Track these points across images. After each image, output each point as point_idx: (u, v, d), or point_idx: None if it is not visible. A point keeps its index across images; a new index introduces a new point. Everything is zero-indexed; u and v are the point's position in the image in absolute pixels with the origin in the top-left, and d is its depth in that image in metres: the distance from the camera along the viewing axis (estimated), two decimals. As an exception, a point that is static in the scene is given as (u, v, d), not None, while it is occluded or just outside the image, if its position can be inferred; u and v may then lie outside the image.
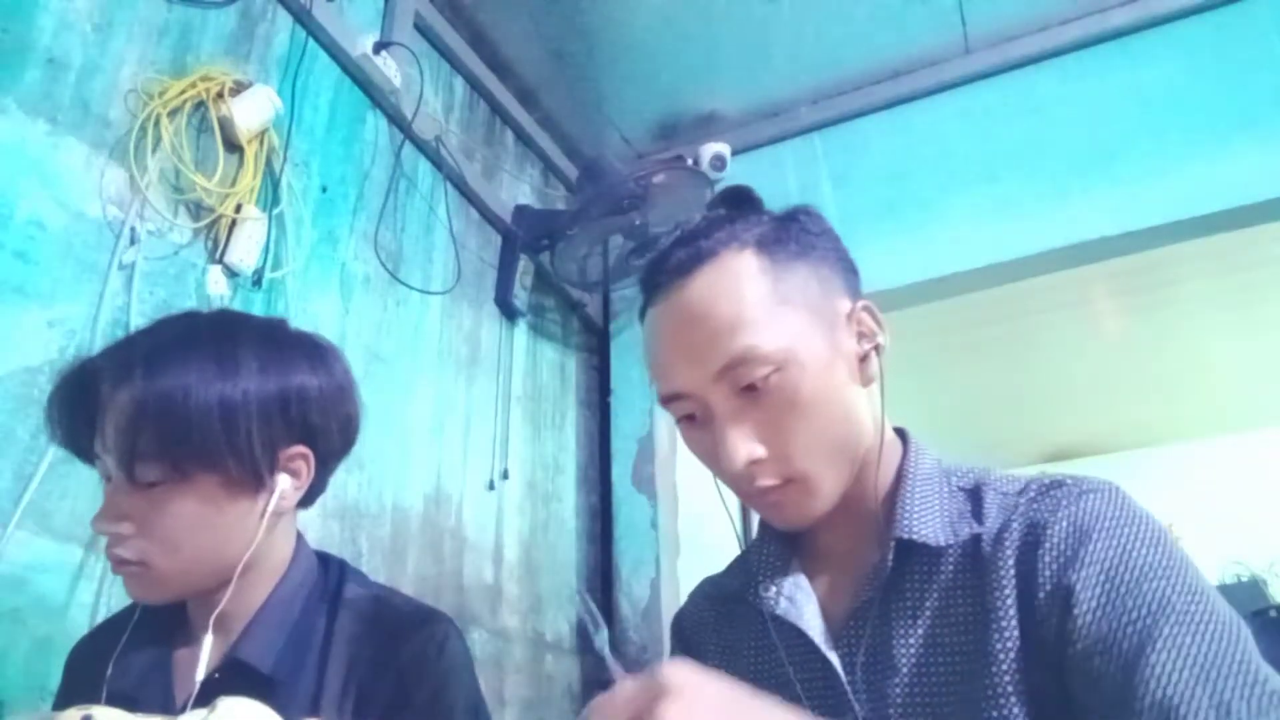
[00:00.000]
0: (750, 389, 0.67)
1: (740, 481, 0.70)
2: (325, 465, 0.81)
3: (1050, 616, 0.60)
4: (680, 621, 0.88)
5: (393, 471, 1.59)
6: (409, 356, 1.71)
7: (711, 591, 0.87)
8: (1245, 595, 3.64)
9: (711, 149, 2.19)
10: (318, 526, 1.37)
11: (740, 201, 0.78)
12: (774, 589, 0.74)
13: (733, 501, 0.78)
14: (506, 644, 1.82)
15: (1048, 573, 0.61)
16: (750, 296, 0.67)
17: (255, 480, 0.74)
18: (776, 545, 0.78)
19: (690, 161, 2.11)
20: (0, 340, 1.01)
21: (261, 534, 0.75)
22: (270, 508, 0.75)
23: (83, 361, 0.75)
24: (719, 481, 0.75)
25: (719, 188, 2.16)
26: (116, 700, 0.68)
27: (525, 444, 2.04)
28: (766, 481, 0.69)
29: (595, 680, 2.05)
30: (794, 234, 0.73)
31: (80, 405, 0.73)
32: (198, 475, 0.71)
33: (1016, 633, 0.61)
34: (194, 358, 0.72)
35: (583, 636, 2.09)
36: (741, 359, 0.66)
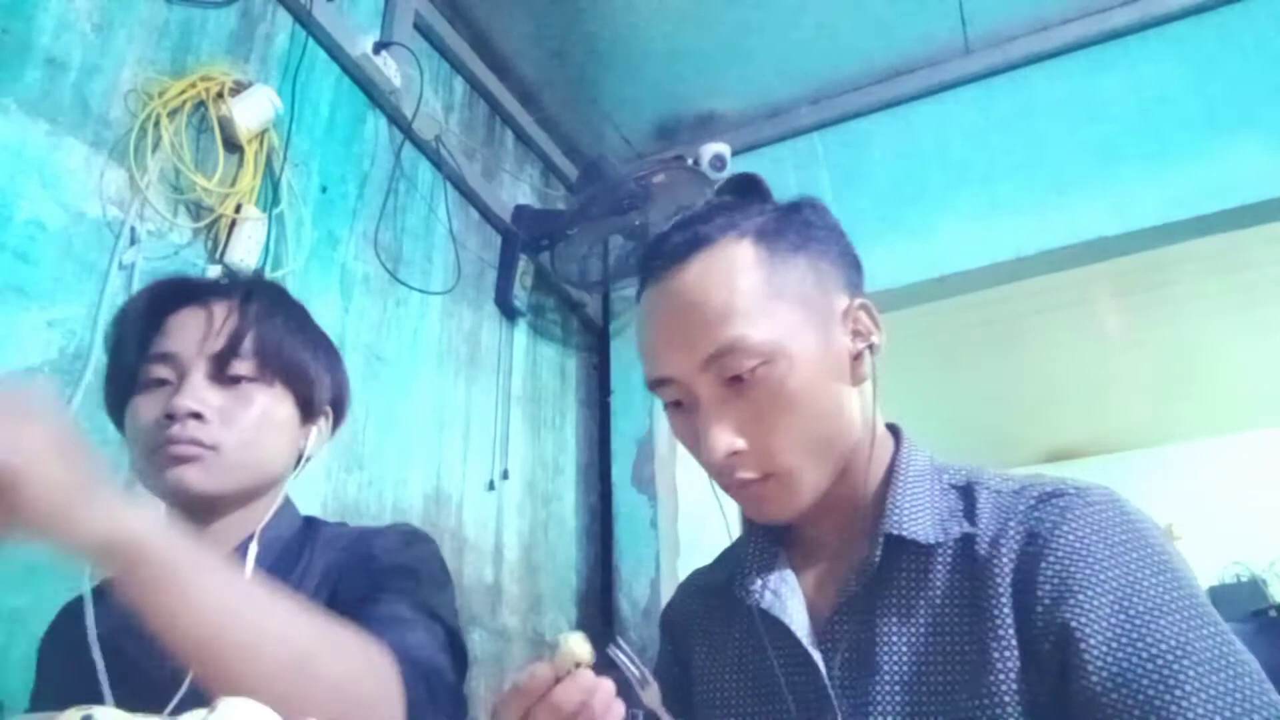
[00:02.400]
0: (736, 380, 0.66)
1: (720, 472, 0.70)
2: (326, 440, 0.91)
3: (1048, 635, 0.59)
4: (669, 615, 0.88)
5: (393, 471, 1.59)
6: (409, 356, 1.71)
7: (699, 584, 0.86)
8: (1245, 595, 3.63)
9: (711, 149, 2.19)
10: (318, 526, 1.37)
11: (747, 189, 0.77)
12: (759, 582, 0.74)
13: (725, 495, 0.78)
14: (506, 644, 1.82)
15: (1048, 587, 0.60)
16: (744, 286, 0.67)
17: (311, 410, 0.85)
18: (764, 538, 0.77)
19: (690, 161, 2.10)
20: (0, 340, 1.01)
21: (298, 467, 0.85)
22: (309, 446, 0.86)
23: (180, 277, 0.86)
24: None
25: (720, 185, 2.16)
26: (105, 643, 0.72)
27: (525, 444, 2.04)
28: (746, 474, 0.68)
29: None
30: (795, 226, 0.72)
31: (161, 310, 0.80)
32: (278, 384, 0.81)
33: (1015, 643, 0.60)
34: (299, 305, 0.89)
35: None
36: (729, 348, 0.65)
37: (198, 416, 0.75)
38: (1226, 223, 1.89)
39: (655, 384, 0.71)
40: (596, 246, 2.18)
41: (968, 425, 3.87)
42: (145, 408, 0.77)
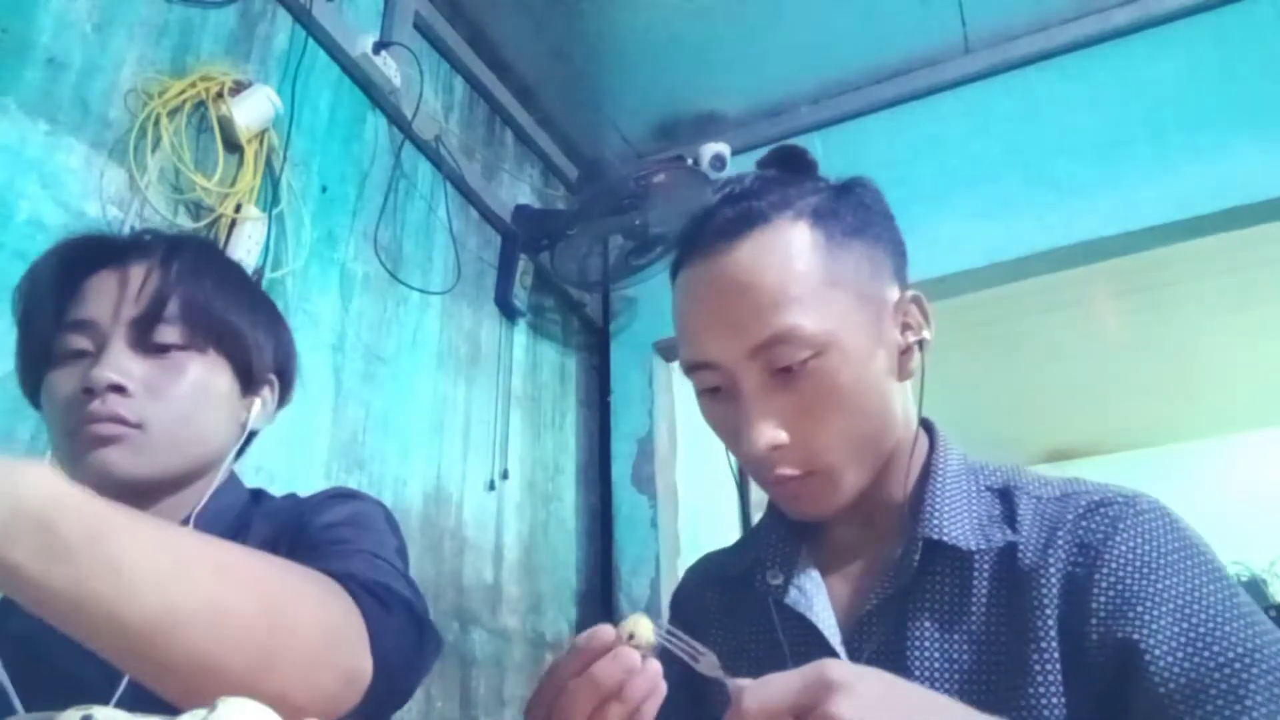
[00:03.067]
0: (785, 371, 0.62)
1: (759, 467, 0.66)
2: (272, 414, 0.83)
3: (1104, 648, 0.57)
4: (681, 600, 0.84)
5: (393, 471, 1.59)
6: (409, 356, 1.71)
7: (713, 572, 0.82)
8: (1245, 595, 3.64)
9: (711, 149, 2.19)
10: (318, 526, 1.37)
11: (794, 164, 0.73)
12: (782, 576, 0.70)
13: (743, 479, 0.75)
14: (506, 644, 1.82)
15: (1104, 599, 0.58)
16: (800, 271, 0.63)
17: (252, 380, 0.77)
18: (785, 530, 0.74)
19: (690, 161, 2.10)
20: (0, 340, 1.01)
21: (238, 444, 0.76)
22: (251, 419, 0.77)
23: (94, 235, 0.76)
24: (730, 455, 0.71)
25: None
26: (24, 647, 0.64)
27: (525, 444, 2.04)
28: (787, 470, 0.65)
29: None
30: (851, 208, 0.68)
31: (74, 273, 0.72)
32: (212, 352, 0.73)
33: (1057, 656, 0.58)
34: (232, 263, 0.81)
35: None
36: (782, 338, 0.62)
37: (119, 390, 0.67)
38: (1226, 223, 1.89)
39: (694, 368, 0.67)
40: (596, 246, 2.18)
41: (967, 425, 3.85)
42: (61, 382, 0.69)
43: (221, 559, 0.48)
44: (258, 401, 0.78)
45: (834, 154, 2.31)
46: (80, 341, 0.70)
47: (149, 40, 1.28)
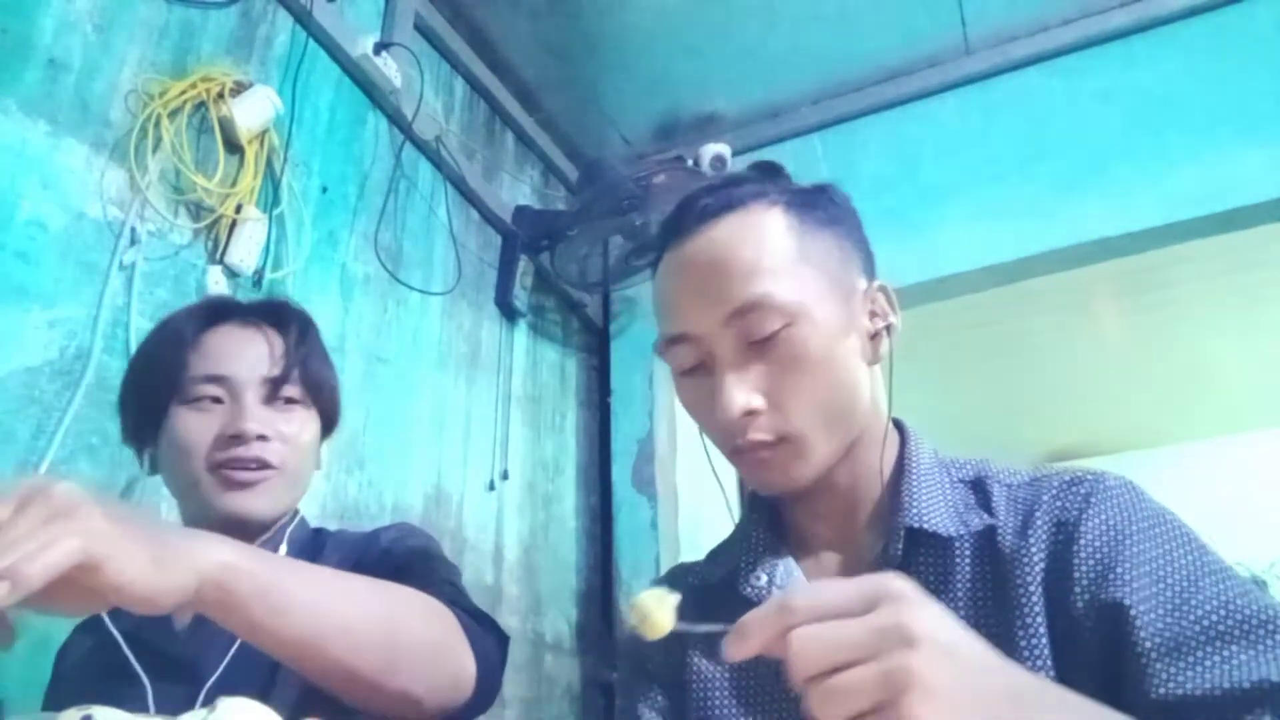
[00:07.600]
0: (759, 343, 0.66)
1: (731, 433, 0.68)
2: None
3: (1090, 615, 0.59)
4: None
5: (393, 472, 1.59)
6: (409, 357, 1.71)
7: (689, 581, 0.82)
8: (1245, 595, 3.63)
9: (711, 149, 2.19)
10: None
11: (771, 173, 0.78)
12: (764, 577, 0.72)
13: (729, 482, 0.76)
14: (507, 644, 1.82)
15: (1085, 569, 0.60)
16: (773, 247, 0.67)
17: (330, 427, 0.91)
18: (765, 531, 0.76)
19: (690, 162, 2.10)
20: (1, 340, 1.01)
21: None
22: (323, 459, 0.91)
23: (228, 300, 0.92)
24: (710, 452, 0.73)
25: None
26: (128, 635, 0.77)
27: (525, 444, 2.04)
28: (759, 436, 0.67)
29: (594, 680, 2.05)
30: (823, 203, 0.73)
31: (206, 328, 0.84)
32: (316, 408, 0.87)
33: (1044, 632, 0.60)
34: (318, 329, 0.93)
35: (582, 638, 2.09)
36: (755, 305, 0.65)
37: (263, 438, 0.80)
38: (1227, 223, 1.89)
39: (672, 341, 0.70)
40: (597, 247, 2.18)
41: (968, 426, 3.87)
42: (197, 424, 0.80)
43: (352, 593, 0.62)
44: (325, 445, 0.92)
45: (834, 154, 2.31)
46: (215, 390, 0.82)
47: (149, 41, 1.28)
